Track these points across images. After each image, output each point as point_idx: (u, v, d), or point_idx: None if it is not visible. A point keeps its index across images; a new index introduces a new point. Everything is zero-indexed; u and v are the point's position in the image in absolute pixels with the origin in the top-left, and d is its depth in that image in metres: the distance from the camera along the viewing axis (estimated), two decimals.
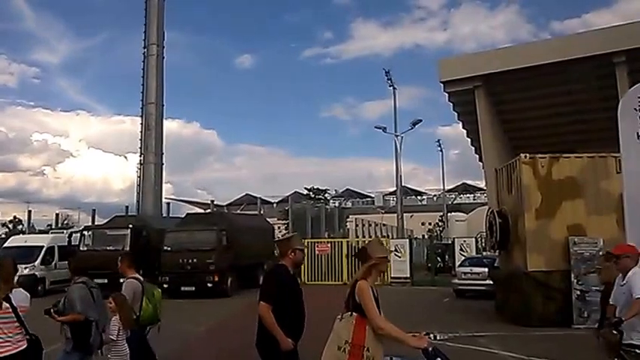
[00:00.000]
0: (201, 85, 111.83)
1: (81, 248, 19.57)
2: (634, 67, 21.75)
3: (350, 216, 35.48)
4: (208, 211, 31.99)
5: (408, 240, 24.54)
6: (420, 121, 33.51)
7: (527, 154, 12.43)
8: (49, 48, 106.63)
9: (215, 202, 35.84)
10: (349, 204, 60.18)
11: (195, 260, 18.41)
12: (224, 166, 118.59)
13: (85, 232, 20.38)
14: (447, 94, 26.14)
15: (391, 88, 34.95)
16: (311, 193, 35.93)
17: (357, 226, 33.30)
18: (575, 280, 11.56)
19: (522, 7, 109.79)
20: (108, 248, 19.25)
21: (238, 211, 38.07)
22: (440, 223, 47.92)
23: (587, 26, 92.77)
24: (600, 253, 11.41)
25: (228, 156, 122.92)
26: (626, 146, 9.64)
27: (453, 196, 66.81)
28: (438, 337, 10.71)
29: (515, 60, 23.73)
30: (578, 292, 11.51)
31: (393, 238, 27.51)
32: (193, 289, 18.07)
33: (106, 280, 18.36)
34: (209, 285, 18.29)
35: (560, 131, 25.73)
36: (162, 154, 28.31)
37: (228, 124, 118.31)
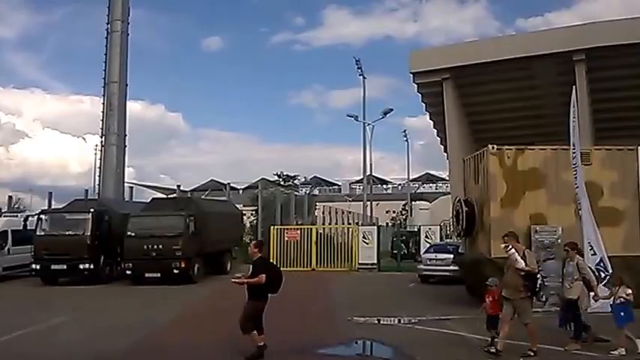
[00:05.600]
0: (166, 66, 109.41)
1: (37, 233, 18.78)
2: (592, 65, 22.72)
3: (317, 203, 35.79)
4: (174, 195, 31.56)
5: (375, 227, 24.95)
6: (392, 110, 34.46)
7: (495, 146, 12.71)
8: (1, 20, 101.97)
9: (180, 188, 35.41)
10: (316, 191, 60.51)
11: (160, 246, 17.86)
12: (189, 150, 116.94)
13: (43, 216, 19.34)
14: (416, 85, 26.70)
15: (361, 77, 35.46)
16: (280, 179, 36.03)
17: (323, 213, 33.66)
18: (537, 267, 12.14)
19: (490, 2, 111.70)
20: (67, 233, 18.68)
21: (202, 197, 37.70)
22: (403, 212, 48.67)
23: (549, 25, 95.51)
24: (559, 240, 12.13)
25: (194, 140, 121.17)
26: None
27: (417, 185, 67.93)
28: (406, 320, 11.24)
29: (483, 54, 24.39)
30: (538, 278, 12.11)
31: (362, 225, 27.89)
32: (158, 275, 17.65)
33: (64, 266, 18.34)
34: (175, 271, 17.85)
35: (522, 124, 26.58)
36: (125, 135, 27.41)
37: (194, 108, 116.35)
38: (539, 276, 8.11)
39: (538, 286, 8.08)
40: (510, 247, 8.23)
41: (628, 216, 12.48)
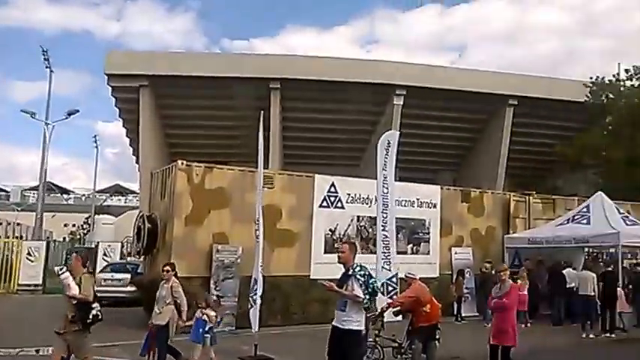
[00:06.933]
0: None
1: None
2: (286, 95, 24.75)
3: None
4: None
5: (45, 242, 21.99)
6: (77, 111, 30.90)
7: (185, 162, 12.44)
8: None
9: None
10: None
11: None
12: None
13: None
14: (111, 88, 24.89)
15: (48, 69, 31.25)
16: None
17: None
18: (214, 286, 11.89)
19: (199, 17, 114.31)
20: None
21: None
22: (85, 225, 45.10)
23: (252, 50, 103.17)
24: (239, 260, 12.13)
25: None
26: None
27: (104, 197, 63.82)
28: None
29: (184, 67, 24.20)
30: (214, 298, 11.85)
31: (27, 240, 24.08)
32: None
33: None
34: None
35: (219, 143, 27.28)
36: None
37: None
38: (94, 305, 6.71)
39: (91, 317, 6.66)
40: (64, 269, 6.81)
41: (300, 238, 13.36)
